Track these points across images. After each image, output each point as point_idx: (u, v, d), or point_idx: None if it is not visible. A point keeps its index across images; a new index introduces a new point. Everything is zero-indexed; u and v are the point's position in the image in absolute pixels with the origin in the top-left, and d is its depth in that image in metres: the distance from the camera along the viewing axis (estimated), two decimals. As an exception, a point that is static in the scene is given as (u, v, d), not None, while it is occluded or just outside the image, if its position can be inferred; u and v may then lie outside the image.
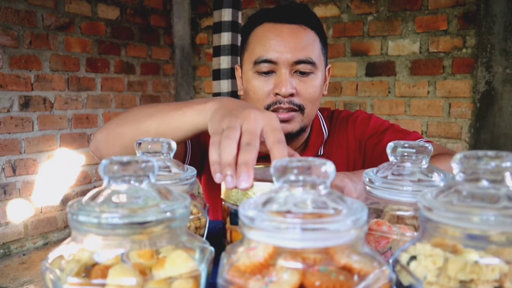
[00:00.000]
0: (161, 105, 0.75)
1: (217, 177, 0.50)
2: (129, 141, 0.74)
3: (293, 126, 0.93)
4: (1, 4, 2.49)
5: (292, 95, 0.90)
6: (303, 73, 0.91)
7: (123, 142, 0.76)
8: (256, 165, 0.64)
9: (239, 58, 1.02)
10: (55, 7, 2.75)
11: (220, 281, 0.35)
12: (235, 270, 0.34)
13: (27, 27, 2.62)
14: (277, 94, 0.90)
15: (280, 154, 0.51)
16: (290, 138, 0.94)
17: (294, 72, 0.91)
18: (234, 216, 0.57)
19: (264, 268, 0.33)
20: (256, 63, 0.91)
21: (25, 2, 2.59)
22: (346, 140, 1.05)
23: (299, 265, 0.32)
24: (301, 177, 0.36)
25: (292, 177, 0.36)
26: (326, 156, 1.02)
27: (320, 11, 2.92)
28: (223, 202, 0.60)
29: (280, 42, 0.89)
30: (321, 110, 1.11)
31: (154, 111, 0.74)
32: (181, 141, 0.71)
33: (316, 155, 1.03)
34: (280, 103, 0.90)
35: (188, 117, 0.67)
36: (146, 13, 3.35)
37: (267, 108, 0.91)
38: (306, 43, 0.91)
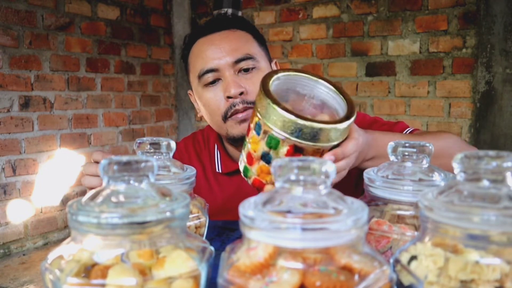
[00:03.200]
0: None
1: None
2: None
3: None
4: (1, 4, 2.48)
5: (242, 93, 0.90)
6: (246, 70, 0.92)
7: None
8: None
9: (189, 83, 1.05)
10: (55, 7, 2.75)
11: (220, 281, 0.34)
12: (236, 270, 0.34)
13: (27, 27, 2.62)
14: (228, 97, 0.90)
15: None
16: None
17: (238, 72, 0.92)
18: (258, 128, 0.57)
19: (264, 268, 0.33)
20: (200, 76, 0.93)
21: (25, 2, 2.59)
22: None
23: (299, 265, 0.32)
24: (301, 177, 0.36)
25: (293, 177, 0.36)
26: None
27: (320, 11, 2.92)
28: (257, 113, 0.59)
29: (215, 49, 0.91)
30: None
31: None
32: None
33: None
34: (234, 106, 0.90)
35: None
36: (146, 13, 3.35)
37: (225, 116, 0.92)
38: (240, 42, 0.93)
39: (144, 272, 0.36)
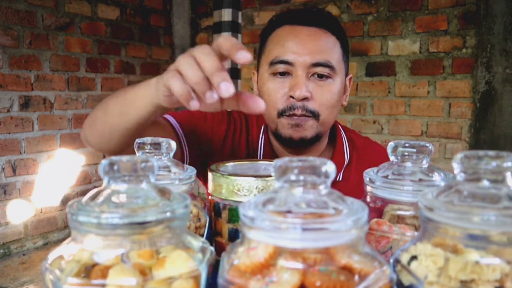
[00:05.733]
0: (123, 89, 0.77)
1: (192, 104, 0.49)
2: (101, 125, 0.79)
3: (307, 132, 0.89)
4: (1, 4, 2.49)
5: (306, 99, 0.86)
6: (321, 77, 0.87)
7: (97, 127, 0.79)
8: (241, 161, 0.65)
9: (257, 62, 0.99)
10: (55, 7, 2.75)
11: (220, 281, 0.34)
12: (236, 270, 0.34)
13: (27, 27, 2.62)
14: (291, 97, 0.86)
15: (233, 44, 0.53)
16: (304, 143, 0.91)
17: (311, 76, 0.87)
18: (217, 210, 0.57)
19: (265, 268, 0.33)
20: (272, 63, 0.88)
21: (25, 2, 2.59)
22: (363, 169, 1.00)
23: (299, 265, 0.32)
24: (301, 177, 0.36)
25: (293, 177, 0.36)
26: (344, 182, 0.97)
27: (320, 11, 2.92)
28: (209, 197, 0.60)
29: (297, 44, 0.87)
30: (346, 131, 1.05)
31: (117, 94, 0.77)
32: (145, 120, 0.72)
33: (335, 180, 0.96)
34: (294, 109, 0.86)
35: (140, 93, 0.68)
36: (146, 13, 3.35)
37: (281, 113, 0.88)
38: (325, 46, 0.87)
39: (144, 272, 0.36)
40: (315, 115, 0.88)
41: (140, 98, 0.68)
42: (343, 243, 0.33)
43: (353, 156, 1.00)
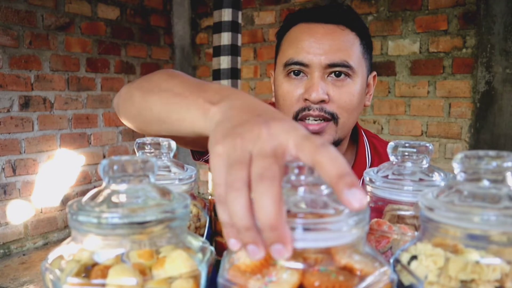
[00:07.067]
0: (177, 81, 0.59)
1: (231, 244, 0.33)
2: (136, 109, 0.66)
3: (326, 139, 0.83)
4: (1, 4, 2.49)
5: (323, 101, 0.81)
6: (338, 75, 0.82)
7: (130, 109, 0.68)
8: None
9: (274, 61, 0.94)
10: (55, 7, 2.75)
11: (220, 280, 0.34)
12: (236, 269, 0.34)
13: (27, 27, 2.62)
14: (306, 99, 0.82)
15: (334, 162, 0.32)
16: None
17: (328, 76, 0.82)
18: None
19: (264, 267, 0.33)
20: (287, 65, 0.84)
21: (25, 2, 2.59)
22: None
23: (299, 265, 0.32)
24: (302, 177, 0.36)
25: (293, 177, 0.36)
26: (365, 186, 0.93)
27: (320, 11, 2.92)
28: (210, 196, 0.59)
29: (313, 43, 0.82)
30: (368, 135, 1.00)
31: (166, 86, 0.60)
32: (187, 140, 0.61)
33: None
34: (309, 110, 0.81)
35: (189, 118, 0.51)
36: (146, 13, 3.35)
37: (296, 115, 0.83)
38: (343, 45, 0.82)
39: (144, 272, 0.36)
40: (334, 117, 0.83)
41: (188, 124, 0.52)
42: (343, 243, 0.33)
43: (374, 162, 0.96)
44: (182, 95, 0.54)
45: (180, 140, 0.67)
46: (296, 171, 0.36)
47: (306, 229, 0.32)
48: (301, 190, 0.35)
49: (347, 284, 0.31)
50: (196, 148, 0.91)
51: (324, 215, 0.34)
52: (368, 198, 0.34)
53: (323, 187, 0.36)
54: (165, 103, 0.58)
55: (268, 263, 0.33)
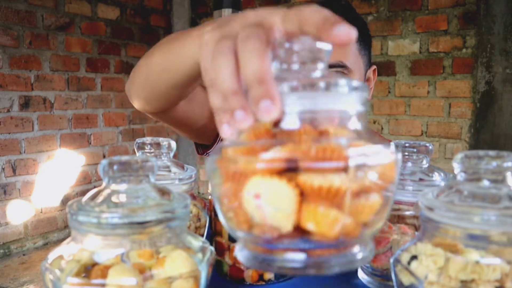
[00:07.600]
0: (174, 34, 0.61)
1: (224, 130, 0.31)
2: (143, 74, 0.68)
3: None
4: (1, 4, 2.49)
5: None
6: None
7: (139, 82, 0.69)
8: None
9: None
10: (55, 7, 2.75)
11: (208, 165, 0.31)
12: (225, 153, 0.30)
13: (27, 27, 2.62)
14: None
15: (319, 12, 0.31)
16: None
17: None
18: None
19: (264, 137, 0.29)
20: None
21: (25, 2, 2.59)
22: None
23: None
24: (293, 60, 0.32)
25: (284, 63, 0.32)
26: None
27: (320, 11, 2.92)
28: (209, 196, 0.59)
29: None
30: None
31: (164, 41, 0.63)
32: (192, 79, 0.59)
33: None
34: None
35: (186, 51, 0.51)
36: (146, 13, 3.35)
37: None
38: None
39: (144, 272, 0.36)
40: None
41: (188, 55, 0.53)
42: (337, 109, 0.29)
43: None
44: (179, 38, 0.55)
45: (188, 127, 0.68)
46: (287, 45, 0.32)
47: (293, 89, 0.28)
48: (290, 65, 0.31)
49: (340, 148, 0.27)
50: (201, 140, 0.90)
51: (314, 80, 0.30)
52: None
53: (311, 66, 0.32)
54: (164, 51, 0.60)
55: (269, 131, 0.29)
